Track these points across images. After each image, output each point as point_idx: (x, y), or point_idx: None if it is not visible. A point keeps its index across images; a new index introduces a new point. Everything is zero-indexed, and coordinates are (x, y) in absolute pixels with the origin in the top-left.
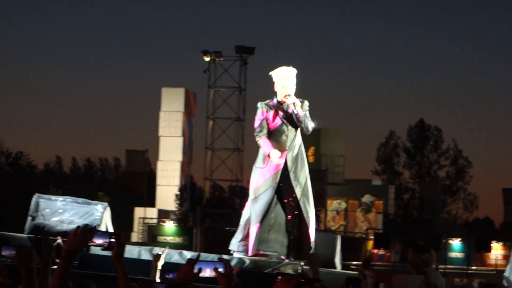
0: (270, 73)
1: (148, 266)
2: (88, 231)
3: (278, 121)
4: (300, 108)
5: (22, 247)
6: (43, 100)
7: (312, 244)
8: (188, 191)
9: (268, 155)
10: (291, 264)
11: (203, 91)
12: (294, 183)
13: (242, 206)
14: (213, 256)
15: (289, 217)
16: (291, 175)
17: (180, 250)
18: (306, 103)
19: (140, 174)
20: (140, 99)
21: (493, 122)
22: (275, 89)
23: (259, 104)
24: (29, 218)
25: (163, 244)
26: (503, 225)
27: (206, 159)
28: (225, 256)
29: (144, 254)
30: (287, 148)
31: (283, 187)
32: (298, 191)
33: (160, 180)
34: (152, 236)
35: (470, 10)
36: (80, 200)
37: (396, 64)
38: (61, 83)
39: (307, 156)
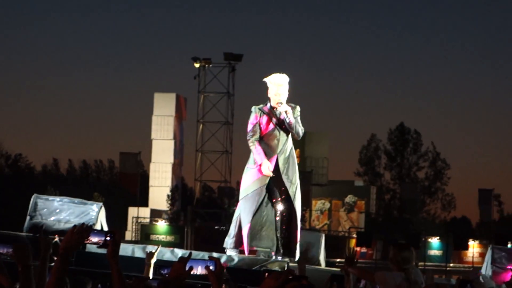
0: (264, 79)
1: (142, 263)
2: (84, 230)
3: (270, 126)
4: (291, 116)
5: (19, 245)
6: (41, 105)
7: (299, 243)
8: (179, 191)
9: (260, 165)
10: (278, 261)
11: (193, 96)
12: (287, 184)
13: (230, 206)
14: (203, 254)
15: (277, 218)
16: (284, 177)
17: (172, 248)
18: (298, 108)
19: (133, 176)
20: (134, 103)
21: (470, 126)
22: (268, 95)
23: (252, 109)
24: (28, 218)
25: (156, 243)
26: (479, 224)
27: (197, 161)
28: (215, 254)
29: (138, 252)
30: (278, 151)
31: (273, 188)
32: (291, 192)
33: (152, 181)
34: (145, 234)
35: (445, 16)
36: (76, 200)
37: (377, 71)
38: (58, 89)
39: None
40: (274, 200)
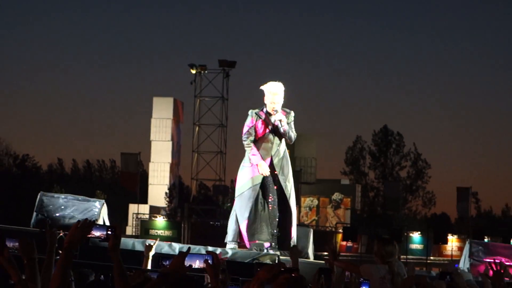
0: (261, 87)
1: (142, 256)
2: (87, 225)
3: (265, 130)
4: (285, 124)
5: (24, 239)
6: (47, 109)
7: (294, 237)
8: (177, 189)
9: (256, 165)
10: (269, 254)
11: (190, 100)
12: (284, 184)
13: (224, 203)
14: (199, 248)
15: (272, 215)
16: (281, 178)
17: (169, 242)
18: (292, 114)
19: (133, 175)
20: (134, 107)
21: (450, 129)
22: (265, 102)
23: (249, 112)
24: (35, 214)
25: (155, 237)
26: (458, 219)
27: (193, 161)
28: (210, 248)
29: (138, 245)
30: (272, 154)
31: (268, 187)
32: (287, 192)
33: (151, 179)
34: (144, 229)
35: (425, 21)
36: (80, 197)
37: (362, 76)
38: (63, 94)
39: None
40: (270, 199)
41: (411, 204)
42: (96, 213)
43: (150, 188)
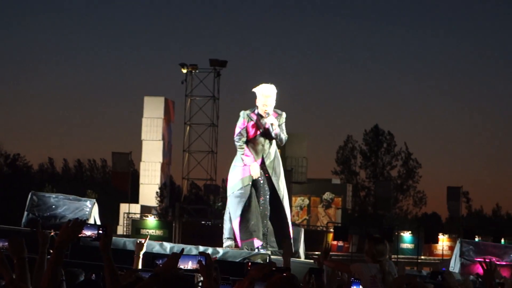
0: (253, 89)
1: (132, 256)
2: (78, 224)
3: (256, 132)
4: (277, 127)
5: (14, 238)
6: (38, 108)
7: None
8: (168, 189)
9: (248, 166)
10: (260, 254)
11: (181, 99)
12: (277, 184)
13: (215, 203)
14: (190, 247)
15: (264, 214)
16: (273, 178)
17: (160, 242)
18: (284, 115)
19: (124, 174)
20: (125, 106)
21: (440, 128)
22: (257, 104)
23: (241, 113)
24: (26, 213)
25: (145, 236)
26: (448, 219)
27: (184, 161)
28: (201, 248)
29: (129, 245)
30: (264, 156)
31: (260, 187)
32: (280, 193)
33: (142, 179)
34: (135, 229)
35: (418, 21)
36: (71, 197)
37: (353, 76)
38: (54, 94)
39: None
40: (261, 200)
41: (402, 204)
42: (87, 212)
43: (141, 187)
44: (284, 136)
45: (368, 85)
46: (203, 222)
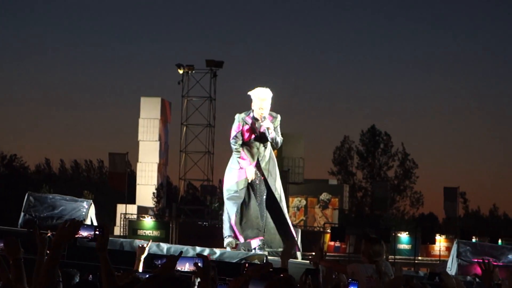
0: (249, 93)
1: (130, 256)
2: (75, 225)
3: (252, 136)
4: (272, 131)
5: (10, 239)
6: (34, 109)
7: (295, 237)
8: (165, 189)
9: (244, 169)
10: (257, 255)
11: (177, 100)
12: (274, 186)
13: (212, 203)
14: (187, 248)
15: (261, 215)
16: (270, 180)
17: (157, 242)
18: (279, 118)
19: (121, 175)
20: (122, 107)
21: (437, 129)
22: (252, 107)
23: (236, 117)
24: (22, 214)
25: (143, 237)
26: (446, 220)
27: (181, 161)
28: (198, 248)
29: (126, 246)
30: (259, 158)
31: (256, 189)
32: (277, 194)
33: (139, 180)
34: (132, 230)
35: (414, 22)
36: (68, 197)
37: (350, 76)
38: (51, 94)
39: None
40: (258, 199)
41: (399, 204)
42: (83, 213)
43: (138, 188)
44: (279, 139)
45: (365, 86)
46: (200, 223)
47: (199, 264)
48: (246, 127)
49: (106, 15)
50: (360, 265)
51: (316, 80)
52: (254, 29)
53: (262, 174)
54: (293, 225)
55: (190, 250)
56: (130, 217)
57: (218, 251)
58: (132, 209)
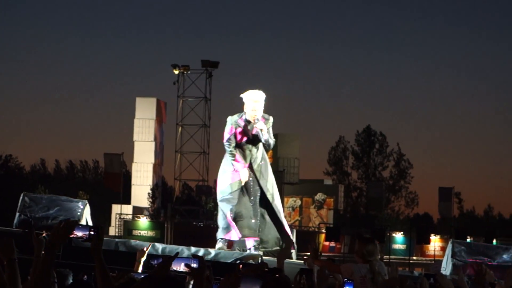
0: (241, 95)
1: (125, 257)
2: (70, 225)
3: (244, 138)
4: (266, 133)
5: (3, 239)
6: (29, 109)
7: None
8: (160, 190)
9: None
10: (252, 255)
11: (173, 100)
12: (266, 187)
13: (207, 204)
14: (182, 248)
15: (255, 216)
16: (262, 181)
17: (153, 243)
18: (271, 119)
19: (116, 175)
20: (117, 107)
21: (432, 129)
22: (245, 110)
23: (228, 120)
24: (17, 214)
25: (138, 238)
26: (440, 220)
27: (176, 162)
28: (193, 249)
29: (121, 246)
30: (252, 160)
31: (250, 190)
32: (269, 195)
33: (134, 180)
34: (127, 230)
35: (409, 22)
36: (63, 197)
37: (345, 77)
38: (46, 94)
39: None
40: (252, 199)
41: (394, 204)
42: (79, 213)
43: (133, 188)
44: (272, 141)
45: (360, 86)
46: (195, 223)
47: (193, 265)
48: (239, 129)
49: (101, 15)
50: (354, 265)
51: (311, 80)
52: (250, 29)
53: (255, 175)
54: (288, 225)
55: (185, 250)
56: (125, 217)
57: (213, 251)
58: (127, 209)
